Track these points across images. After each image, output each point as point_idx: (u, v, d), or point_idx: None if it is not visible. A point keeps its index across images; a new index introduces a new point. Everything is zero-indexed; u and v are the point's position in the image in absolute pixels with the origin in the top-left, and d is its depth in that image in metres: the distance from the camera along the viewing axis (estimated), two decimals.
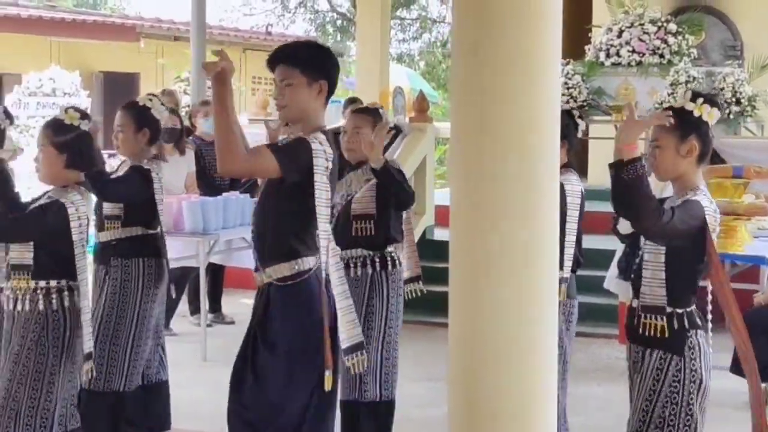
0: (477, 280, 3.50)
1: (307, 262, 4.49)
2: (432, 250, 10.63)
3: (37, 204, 5.09)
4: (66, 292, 5.05)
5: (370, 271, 5.91)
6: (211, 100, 4.47)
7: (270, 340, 4.50)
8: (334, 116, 7.54)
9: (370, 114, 6.00)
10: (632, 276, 4.46)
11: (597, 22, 14.08)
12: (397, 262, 6.02)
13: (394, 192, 5.83)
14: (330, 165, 4.46)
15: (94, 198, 5.83)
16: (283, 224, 4.53)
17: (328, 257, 4.49)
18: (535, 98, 3.45)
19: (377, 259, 5.93)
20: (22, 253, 5.03)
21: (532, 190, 3.47)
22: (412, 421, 6.90)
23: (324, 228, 4.44)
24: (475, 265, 3.50)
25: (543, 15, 3.48)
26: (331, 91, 4.59)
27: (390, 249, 5.99)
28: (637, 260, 4.42)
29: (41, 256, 5.01)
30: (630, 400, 4.49)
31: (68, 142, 5.13)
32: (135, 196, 5.78)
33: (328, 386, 4.44)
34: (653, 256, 4.32)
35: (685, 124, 4.32)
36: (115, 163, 6.68)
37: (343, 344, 4.54)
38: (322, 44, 4.89)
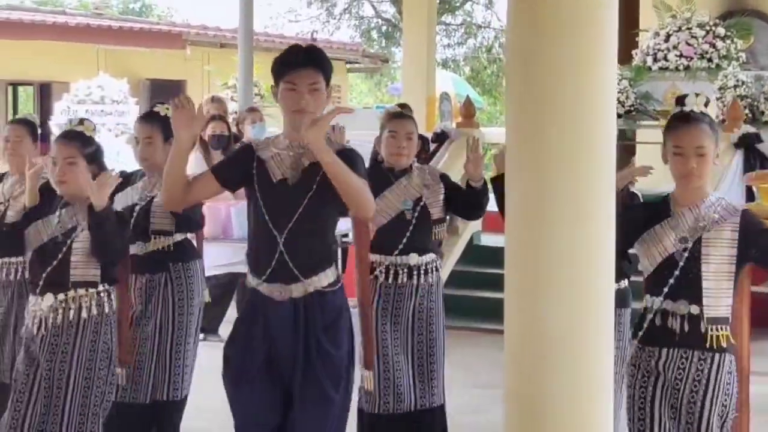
0: (533, 287, 3.49)
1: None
2: (479, 256, 10.64)
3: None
4: (111, 296, 5.10)
5: (436, 276, 5.92)
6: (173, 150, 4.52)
7: (331, 346, 4.48)
8: (373, 122, 7.48)
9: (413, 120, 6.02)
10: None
11: (644, 26, 13.99)
12: None
13: (479, 204, 5.90)
14: None
15: None
16: (330, 230, 4.57)
17: None
18: (591, 105, 3.43)
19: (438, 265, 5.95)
20: (87, 270, 5.03)
21: (589, 197, 3.45)
22: (460, 427, 6.87)
23: None
24: (530, 272, 3.49)
25: (598, 21, 3.46)
26: None
27: None
28: (678, 270, 4.35)
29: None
30: (647, 405, 4.41)
31: (94, 153, 5.16)
32: None
33: (370, 386, 4.52)
34: (721, 266, 4.29)
35: (714, 129, 4.36)
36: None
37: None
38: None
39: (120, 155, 14.11)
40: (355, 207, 4.39)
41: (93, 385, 4.96)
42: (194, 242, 6.16)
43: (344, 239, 7.53)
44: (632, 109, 12.38)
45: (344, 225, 7.06)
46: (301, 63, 4.44)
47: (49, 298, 4.92)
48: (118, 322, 5.14)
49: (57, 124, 13.16)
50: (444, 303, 5.99)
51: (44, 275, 4.98)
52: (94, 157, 5.10)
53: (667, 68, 12.71)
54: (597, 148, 3.45)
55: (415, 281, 5.77)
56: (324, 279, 4.48)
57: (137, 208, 5.82)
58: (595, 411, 3.51)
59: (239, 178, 4.49)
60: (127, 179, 5.91)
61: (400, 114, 5.96)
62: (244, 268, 8.87)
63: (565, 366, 3.45)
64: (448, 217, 6.22)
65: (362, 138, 11.42)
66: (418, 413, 5.80)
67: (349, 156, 4.38)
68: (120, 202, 5.73)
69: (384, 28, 34.91)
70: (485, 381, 7.94)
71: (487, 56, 35.12)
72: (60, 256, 4.97)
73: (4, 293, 6.24)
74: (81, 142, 5.11)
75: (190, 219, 5.84)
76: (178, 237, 5.91)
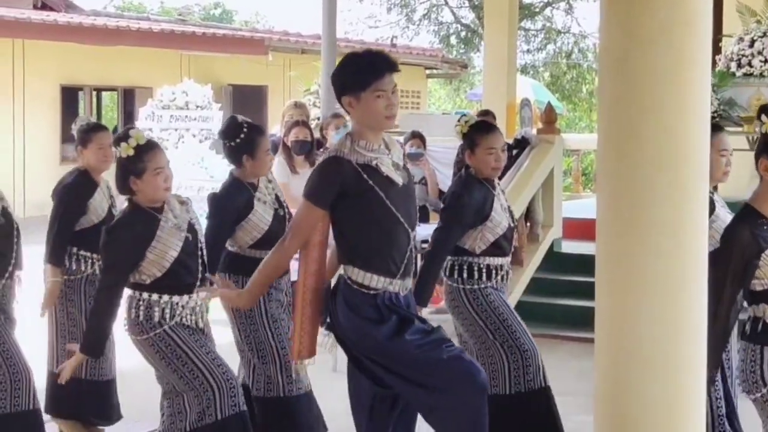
0: (625, 294, 3.49)
1: None
2: (559, 263, 10.57)
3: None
4: None
5: None
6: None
7: None
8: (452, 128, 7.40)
9: None
10: None
11: (728, 32, 13.83)
12: None
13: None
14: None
15: None
16: None
17: None
18: (684, 109, 3.42)
19: None
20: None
21: (682, 203, 3.44)
22: None
23: None
24: (622, 278, 3.49)
25: (693, 25, 3.45)
26: None
27: None
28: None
29: None
30: None
31: None
32: None
33: None
34: None
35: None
36: None
37: None
38: None
39: (204, 161, 14.27)
40: None
41: None
42: None
43: (423, 245, 7.57)
44: (715, 115, 12.24)
45: (425, 231, 7.11)
46: (384, 69, 4.51)
47: (201, 293, 5.12)
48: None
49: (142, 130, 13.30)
50: (522, 309, 6.10)
51: (199, 274, 5.14)
52: None
53: (751, 74, 12.55)
54: (691, 154, 3.44)
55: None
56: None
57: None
58: (686, 418, 3.50)
59: (337, 194, 4.52)
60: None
61: (491, 127, 6.02)
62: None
63: (657, 373, 3.44)
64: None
65: (440, 143, 11.46)
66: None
67: None
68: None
69: (463, 33, 34.87)
70: (564, 388, 7.87)
71: (566, 62, 34.95)
72: (199, 252, 5.16)
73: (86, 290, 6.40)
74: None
75: None
76: None
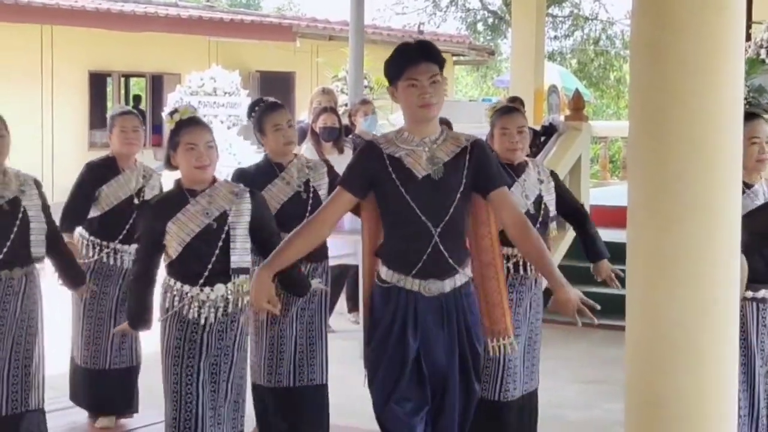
0: (656, 281, 3.47)
1: None
2: None
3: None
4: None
5: None
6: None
7: (476, 341, 4.52)
8: (479, 115, 7.38)
9: None
10: None
11: (757, 19, 13.74)
12: None
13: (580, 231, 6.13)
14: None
15: None
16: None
17: None
18: (717, 96, 3.40)
19: None
20: (242, 257, 5.04)
21: (714, 190, 3.42)
22: (569, 423, 6.85)
23: None
24: (654, 266, 3.47)
25: (725, 9, 3.42)
26: None
27: None
28: None
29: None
30: None
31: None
32: None
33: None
34: None
35: None
36: None
37: None
38: None
39: (232, 147, 14.31)
40: None
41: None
42: None
43: None
44: (745, 102, 12.16)
45: None
46: (418, 58, 4.42)
47: (220, 288, 4.97)
48: None
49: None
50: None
51: (209, 265, 4.96)
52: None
53: None
54: (723, 141, 3.41)
55: (530, 274, 5.78)
56: (468, 272, 4.51)
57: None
58: (718, 406, 3.48)
59: (369, 181, 4.44)
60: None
61: (509, 109, 5.93)
62: (354, 260, 8.99)
63: (689, 362, 3.43)
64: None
65: (468, 131, 11.43)
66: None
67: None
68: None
69: (490, 20, 34.83)
70: (591, 376, 7.88)
71: (593, 48, 34.82)
72: (221, 244, 4.97)
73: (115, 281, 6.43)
74: (209, 128, 5.17)
75: None
76: None
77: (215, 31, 20.91)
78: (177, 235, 4.92)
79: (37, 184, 5.65)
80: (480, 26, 34.79)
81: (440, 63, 4.50)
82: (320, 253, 5.91)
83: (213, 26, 21.02)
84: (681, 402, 3.45)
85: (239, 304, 5.04)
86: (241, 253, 5.02)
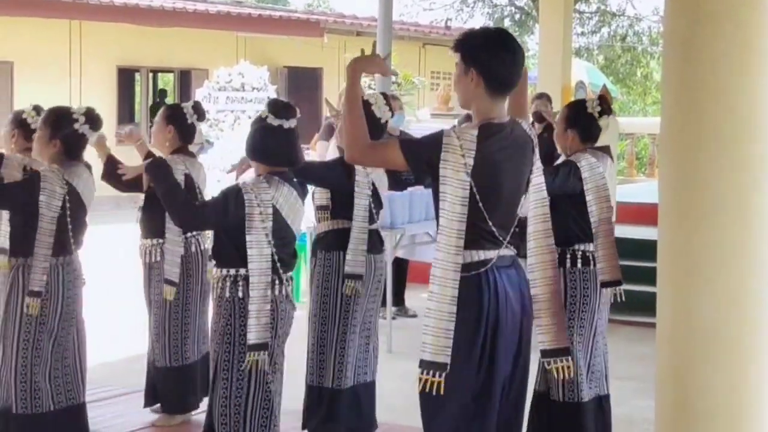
0: (687, 279, 3.47)
1: None
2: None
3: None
4: (241, 282, 4.91)
5: None
6: (344, 95, 4.32)
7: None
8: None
9: None
10: None
11: None
12: None
13: None
14: (468, 161, 3.90)
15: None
16: None
17: None
18: (750, 94, 3.39)
19: None
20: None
21: (746, 188, 3.41)
22: None
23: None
24: (685, 264, 3.47)
25: (759, 6, 3.41)
26: (488, 81, 3.97)
27: None
28: None
29: (224, 244, 4.97)
30: None
31: None
32: (336, 184, 5.89)
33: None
34: None
35: None
36: None
37: None
38: (490, 31, 4.20)
39: None
40: None
41: None
42: None
43: None
44: None
45: None
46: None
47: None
48: None
49: None
50: None
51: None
52: None
53: None
54: (757, 138, 3.40)
55: None
56: None
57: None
58: (750, 403, 3.48)
59: (427, 161, 4.03)
60: None
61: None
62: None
63: (720, 360, 3.43)
64: None
65: None
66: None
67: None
68: None
69: (517, 16, 34.70)
70: (622, 373, 7.87)
71: (621, 45, 34.66)
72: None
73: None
74: None
75: None
76: None
77: (243, 26, 20.96)
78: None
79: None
80: (507, 22, 34.65)
81: (460, 52, 4.12)
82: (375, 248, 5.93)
83: (241, 22, 21.07)
84: (712, 399, 3.45)
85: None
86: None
